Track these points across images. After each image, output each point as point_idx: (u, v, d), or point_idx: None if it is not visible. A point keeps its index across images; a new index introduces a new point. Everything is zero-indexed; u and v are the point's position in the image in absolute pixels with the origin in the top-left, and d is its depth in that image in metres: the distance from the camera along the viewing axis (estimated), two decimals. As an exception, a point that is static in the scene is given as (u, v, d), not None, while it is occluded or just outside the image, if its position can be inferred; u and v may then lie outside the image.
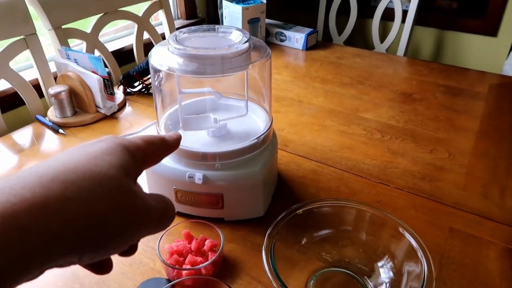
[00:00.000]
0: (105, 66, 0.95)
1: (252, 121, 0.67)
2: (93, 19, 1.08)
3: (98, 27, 1.09)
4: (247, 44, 0.56)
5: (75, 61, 0.90)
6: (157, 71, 0.60)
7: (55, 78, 0.98)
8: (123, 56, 1.21)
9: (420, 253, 0.45)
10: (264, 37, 1.39)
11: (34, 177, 0.22)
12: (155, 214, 0.27)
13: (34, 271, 0.21)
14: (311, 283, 0.53)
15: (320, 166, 0.77)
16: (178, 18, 1.48)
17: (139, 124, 0.91)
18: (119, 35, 1.32)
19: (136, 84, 1.03)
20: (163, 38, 1.29)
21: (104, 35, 1.13)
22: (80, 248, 0.22)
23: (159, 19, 1.42)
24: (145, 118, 0.95)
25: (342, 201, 0.54)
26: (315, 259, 0.55)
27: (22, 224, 0.20)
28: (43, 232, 0.20)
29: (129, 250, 0.29)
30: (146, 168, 0.30)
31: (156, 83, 0.64)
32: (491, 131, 0.89)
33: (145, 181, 0.66)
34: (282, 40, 1.38)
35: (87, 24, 1.10)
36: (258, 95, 0.68)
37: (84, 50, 1.06)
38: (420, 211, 0.66)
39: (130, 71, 1.00)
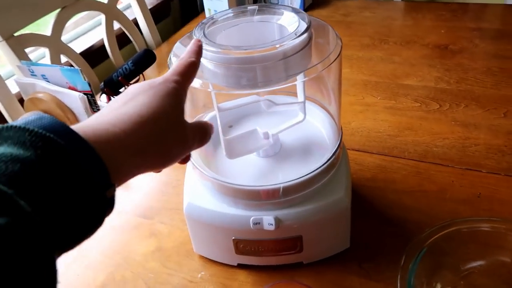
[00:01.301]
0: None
1: (309, 127, 0.51)
2: (51, 18, 0.85)
3: (58, 26, 0.86)
4: (308, 32, 0.39)
5: (44, 77, 0.70)
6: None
7: (21, 102, 0.77)
8: (94, 55, 0.99)
9: None
10: (252, 3, 1.19)
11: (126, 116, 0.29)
12: (197, 135, 0.35)
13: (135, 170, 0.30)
14: None
15: (385, 159, 0.62)
16: (145, -3, 1.25)
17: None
18: (82, 29, 1.09)
19: (122, 90, 0.83)
20: (136, 25, 1.07)
21: (63, 32, 0.91)
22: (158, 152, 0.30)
23: (121, 2, 1.18)
24: (146, 131, 0.76)
25: (492, 222, 0.39)
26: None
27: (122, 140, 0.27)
28: (136, 143, 0.28)
29: (185, 158, 0.37)
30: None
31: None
32: (559, 76, 0.75)
33: (183, 227, 0.49)
34: (274, 4, 1.19)
35: (43, 26, 0.88)
36: (319, 91, 0.51)
37: (48, 59, 0.84)
38: (533, 199, 0.53)
39: (113, 75, 0.80)
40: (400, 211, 0.54)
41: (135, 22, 1.08)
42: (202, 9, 1.14)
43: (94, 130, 0.26)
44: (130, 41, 1.06)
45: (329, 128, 0.49)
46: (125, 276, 0.50)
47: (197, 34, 0.40)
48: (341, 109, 0.74)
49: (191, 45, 0.36)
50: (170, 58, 0.42)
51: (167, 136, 0.30)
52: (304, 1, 1.13)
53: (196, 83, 0.39)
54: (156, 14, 1.15)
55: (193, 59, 0.35)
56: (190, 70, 0.34)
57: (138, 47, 1.06)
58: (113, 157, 0.26)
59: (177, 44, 0.44)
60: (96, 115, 0.29)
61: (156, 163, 0.31)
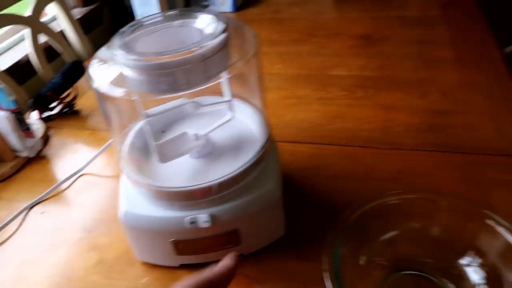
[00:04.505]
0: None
1: (239, 124, 0.53)
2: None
3: (-23, 44, 0.83)
4: (225, 33, 0.41)
5: (-36, 99, 0.67)
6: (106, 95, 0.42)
7: None
8: (21, 71, 0.96)
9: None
10: (183, 6, 1.19)
11: None
12: None
13: None
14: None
15: (317, 147, 0.66)
16: (74, 7, 1.22)
17: (77, 157, 0.71)
18: (5, 45, 1.04)
19: (53, 105, 0.81)
20: (64, 37, 1.04)
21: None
22: None
23: (47, 14, 1.14)
24: (82, 145, 0.75)
25: (404, 194, 0.43)
26: (378, 268, 0.45)
27: None
28: None
29: None
30: None
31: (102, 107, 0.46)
32: (467, 56, 0.82)
33: (123, 237, 0.49)
34: (205, 6, 1.20)
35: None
36: (243, 88, 0.53)
37: (-31, 79, 0.81)
38: (447, 169, 0.58)
39: (42, 91, 0.78)
40: (331, 194, 0.57)
41: (64, 33, 1.05)
42: (134, 16, 1.13)
43: None
44: (58, 54, 1.03)
45: (258, 123, 0.51)
46: (68, 292, 0.49)
47: (117, 43, 0.40)
48: (275, 104, 0.77)
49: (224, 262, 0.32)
50: (91, 65, 0.42)
51: None
52: (235, 1, 1.15)
53: (118, 92, 0.39)
54: (86, 24, 1.13)
55: (219, 272, 0.31)
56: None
57: (70, 59, 1.03)
58: None
59: (103, 49, 0.44)
60: None
61: None
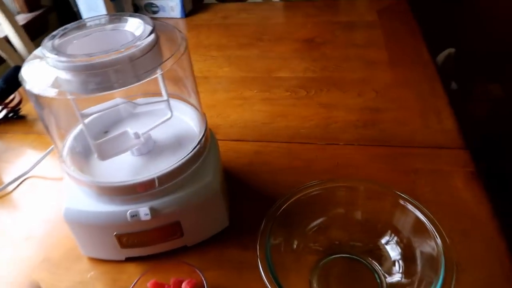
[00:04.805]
0: None
1: (179, 122, 0.55)
2: None
3: None
4: (153, 34, 0.43)
5: None
6: (41, 97, 0.43)
7: None
8: (-37, 77, 0.93)
9: (428, 225, 0.41)
10: (133, 11, 1.20)
11: None
12: None
13: None
14: (314, 282, 0.46)
15: (260, 145, 0.69)
16: (18, 13, 1.20)
17: (22, 160, 0.71)
18: None
19: (-3, 110, 0.80)
20: (8, 42, 1.02)
21: None
22: None
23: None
24: (28, 148, 0.74)
25: (329, 183, 0.47)
26: (308, 254, 0.48)
27: None
28: None
29: None
30: None
31: (39, 109, 0.47)
32: (400, 58, 0.89)
33: (68, 235, 0.50)
34: (155, 12, 1.21)
35: None
36: (179, 88, 0.55)
37: None
38: (379, 161, 0.63)
39: (-16, 96, 0.77)
40: (273, 187, 0.60)
41: (7, 40, 1.03)
42: (82, 21, 1.13)
43: None
44: (4, 61, 1.02)
45: (196, 120, 0.54)
46: (11, 292, 0.50)
47: (47, 46, 0.42)
48: (221, 105, 0.80)
49: None
50: (24, 67, 0.43)
51: None
52: (184, 7, 1.18)
53: (51, 92, 0.41)
54: (32, 29, 1.11)
55: None
56: None
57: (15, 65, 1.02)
58: None
59: (35, 52, 0.45)
60: None
61: None
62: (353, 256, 0.48)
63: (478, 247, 0.49)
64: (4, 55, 1.00)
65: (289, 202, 0.46)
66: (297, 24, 1.09)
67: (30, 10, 1.20)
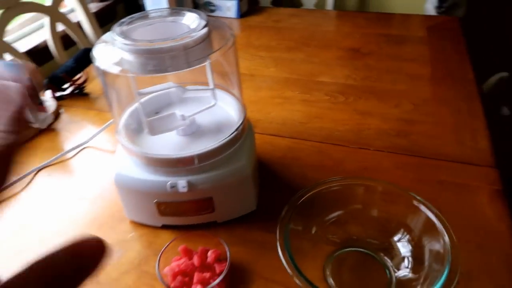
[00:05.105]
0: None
1: (222, 111, 0.61)
2: (-6, 18, 0.91)
3: (1, 26, 0.92)
4: (206, 28, 0.49)
5: (-13, 72, 0.76)
6: (106, 73, 0.50)
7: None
8: (39, 55, 1.05)
9: (438, 224, 0.44)
10: (192, 7, 1.28)
11: None
12: None
13: None
14: (328, 269, 0.50)
15: (295, 142, 0.74)
16: (91, 1, 1.32)
17: (82, 132, 0.80)
18: (27, 30, 1.13)
19: (65, 86, 0.90)
20: (80, 27, 1.14)
21: (7, 33, 0.96)
22: None
23: (66, 5, 1.24)
24: (88, 123, 0.83)
25: (349, 180, 0.51)
26: (325, 244, 0.52)
27: None
28: None
29: None
30: None
31: (105, 85, 0.54)
32: (443, 75, 0.90)
33: (116, 199, 0.57)
34: (212, 11, 1.29)
35: (-13, 25, 0.92)
36: (225, 80, 0.61)
37: (-8, 57, 0.90)
38: (405, 169, 0.66)
39: (57, 72, 0.87)
40: (301, 181, 0.65)
41: (79, 25, 1.14)
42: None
43: None
44: (75, 43, 1.13)
45: (236, 110, 0.59)
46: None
47: (116, 30, 0.49)
48: (263, 102, 0.85)
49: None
50: (96, 47, 0.50)
51: None
52: (239, 8, 1.25)
53: (115, 70, 0.48)
54: (101, 18, 1.22)
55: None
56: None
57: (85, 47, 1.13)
58: None
59: (106, 34, 0.52)
60: None
61: None
62: (367, 251, 0.52)
63: (493, 259, 0.51)
64: (75, 38, 1.11)
65: (310, 193, 0.50)
66: (345, 33, 1.12)
67: (101, 0, 1.31)
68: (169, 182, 0.52)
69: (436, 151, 0.69)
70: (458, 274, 0.40)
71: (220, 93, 0.60)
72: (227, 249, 0.50)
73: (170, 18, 0.53)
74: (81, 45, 1.12)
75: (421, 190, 0.61)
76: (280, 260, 0.44)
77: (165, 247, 0.50)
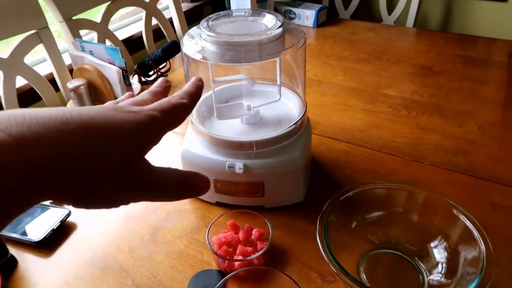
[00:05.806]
0: (120, 56, 0.93)
1: (284, 107, 0.66)
2: (101, 9, 1.05)
3: (107, 16, 1.06)
4: (281, 28, 0.55)
5: (91, 53, 0.88)
6: (190, 59, 0.58)
7: (70, 71, 0.95)
8: (133, 44, 1.19)
9: (476, 234, 0.45)
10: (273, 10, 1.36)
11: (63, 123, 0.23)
12: (171, 189, 0.30)
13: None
14: (362, 266, 0.53)
15: (351, 147, 0.77)
16: (183, 1, 1.45)
17: (160, 114, 0.89)
18: (126, 22, 1.28)
19: (151, 73, 1.01)
20: (171, 23, 1.26)
21: (110, 23, 1.10)
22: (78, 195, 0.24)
23: (162, 3, 1.38)
24: (165, 107, 0.93)
25: (394, 184, 0.53)
26: (363, 241, 0.55)
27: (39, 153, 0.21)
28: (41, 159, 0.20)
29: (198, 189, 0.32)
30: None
31: (188, 70, 0.62)
32: (517, 100, 0.88)
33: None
34: (291, 18, 1.35)
35: (94, 14, 1.07)
36: (291, 80, 0.66)
37: (95, 41, 1.04)
38: (458, 186, 0.66)
39: (146, 59, 0.98)
40: (350, 183, 0.67)
41: (171, 21, 1.27)
42: (229, 16, 1.33)
43: None
44: (164, 36, 1.25)
45: (298, 108, 0.64)
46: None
47: (203, 24, 0.56)
48: (326, 107, 0.89)
49: (189, 85, 0.31)
50: (184, 37, 0.58)
51: (106, 167, 0.23)
52: (317, 18, 1.29)
53: (198, 56, 0.55)
54: (190, 17, 1.34)
55: (185, 101, 0.30)
56: (177, 112, 0.29)
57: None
58: None
59: (193, 28, 0.60)
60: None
61: (77, 199, 0.24)
62: (403, 255, 0.53)
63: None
64: (165, 32, 1.24)
65: (354, 191, 0.53)
66: (420, 51, 1.12)
67: (192, 1, 1.44)
68: (227, 163, 0.58)
69: (494, 174, 0.68)
70: (490, 283, 0.41)
71: (285, 91, 0.65)
72: (270, 230, 0.55)
73: (251, 18, 0.59)
74: (169, 39, 1.25)
75: (471, 208, 0.61)
76: (318, 249, 0.48)
77: (216, 219, 0.56)
